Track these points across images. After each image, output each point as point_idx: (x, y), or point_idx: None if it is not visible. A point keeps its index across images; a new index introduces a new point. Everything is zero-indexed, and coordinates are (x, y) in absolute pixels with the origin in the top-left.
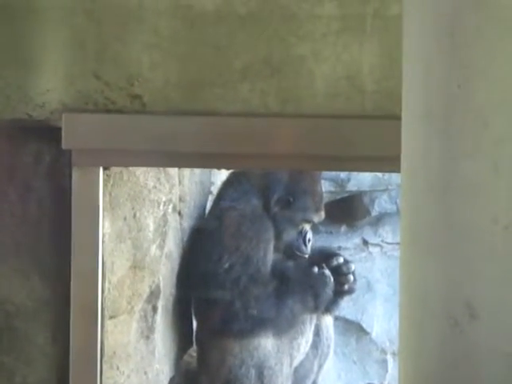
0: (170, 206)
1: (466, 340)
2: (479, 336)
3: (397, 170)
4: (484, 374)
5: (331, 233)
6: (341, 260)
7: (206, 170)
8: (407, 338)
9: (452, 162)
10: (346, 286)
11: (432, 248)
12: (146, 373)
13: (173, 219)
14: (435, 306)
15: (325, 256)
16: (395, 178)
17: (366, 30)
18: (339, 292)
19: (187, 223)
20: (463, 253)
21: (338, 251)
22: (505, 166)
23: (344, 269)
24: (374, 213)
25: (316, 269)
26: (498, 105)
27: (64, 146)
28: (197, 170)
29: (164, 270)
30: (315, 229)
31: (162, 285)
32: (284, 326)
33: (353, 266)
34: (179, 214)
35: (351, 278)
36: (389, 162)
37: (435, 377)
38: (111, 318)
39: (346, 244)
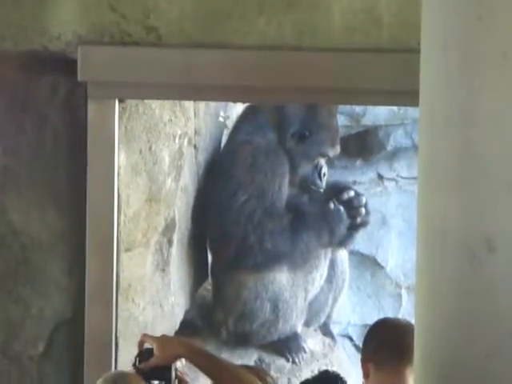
0: (186, 140)
1: (484, 272)
2: (497, 268)
3: (413, 103)
4: (502, 305)
5: (346, 167)
6: (352, 193)
7: (222, 104)
8: (424, 270)
9: (471, 93)
10: (359, 219)
11: (451, 181)
12: (161, 305)
13: (188, 152)
14: (453, 239)
15: (338, 190)
16: (411, 112)
17: None
18: (352, 225)
19: (202, 157)
20: (482, 186)
21: (349, 185)
22: None
23: (355, 202)
24: (390, 147)
25: (332, 204)
26: None
27: (79, 78)
28: (212, 104)
29: (179, 204)
30: (330, 163)
31: (177, 218)
32: (299, 260)
33: (364, 199)
34: (195, 147)
35: (363, 210)
36: (405, 95)
37: (453, 308)
38: (127, 250)
39: (361, 178)
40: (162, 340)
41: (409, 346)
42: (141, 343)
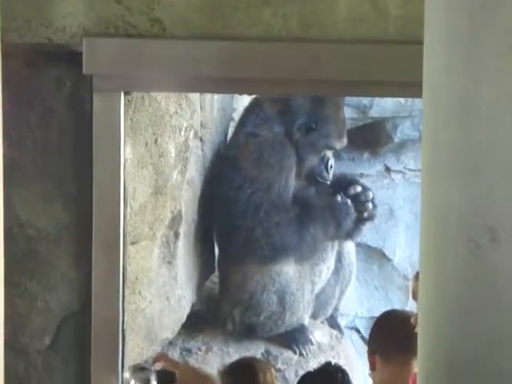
0: (192, 132)
1: (486, 263)
2: (500, 259)
3: (420, 95)
4: (505, 295)
5: (353, 159)
6: (359, 188)
7: (228, 96)
8: (428, 262)
9: (475, 84)
10: (366, 214)
11: (454, 171)
12: (167, 298)
13: (194, 145)
14: (456, 229)
15: (345, 183)
16: (418, 104)
17: None
18: (359, 219)
19: (209, 149)
20: (486, 176)
21: (356, 179)
22: None
23: (362, 197)
24: (397, 139)
25: (339, 198)
26: None
27: (85, 70)
28: (218, 96)
29: (186, 196)
30: (338, 155)
31: (183, 211)
32: (305, 253)
33: (371, 194)
34: (201, 140)
35: (370, 205)
36: (412, 87)
37: (455, 299)
38: (133, 243)
39: (369, 171)
40: (186, 372)
41: (415, 338)
42: (157, 360)
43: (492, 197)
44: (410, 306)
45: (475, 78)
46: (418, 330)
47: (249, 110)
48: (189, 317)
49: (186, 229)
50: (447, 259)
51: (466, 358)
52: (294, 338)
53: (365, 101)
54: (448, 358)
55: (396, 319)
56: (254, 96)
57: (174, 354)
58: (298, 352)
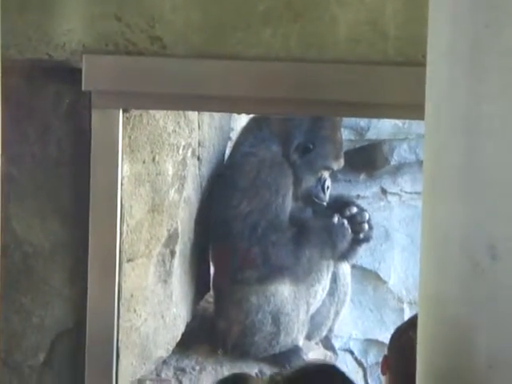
0: (190, 151)
1: (487, 281)
2: (501, 276)
3: (418, 117)
4: (506, 314)
5: (350, 181)
6: (355, 209)
7: (226, 116)
8: (428, 280)
9: (478, 103)
10: (362, 235)
11: (455, 190)
12: (163, 316)
13: (192, 164)
14: (457, 247)
15: (341, 204)
16: (415, 127)
17: None
18: (355, 240)
19: (206, 168)
20: (487, 194)
21: (352, 200)
22: None
23: (358, 218)
24: (393, 162)
25: (335, 219)
26: None
27: (84, 87)
28: (216, 115)
29: (182, 215)
30: (334, 177)
31: (180, 229)
32: (301, 273)
33: (367, 215)
34: (198, 158)
35: (366, 226)
36: (410, 109)
37: (456, 318)
38: (129, 261)
39: (365, 193)
40: None
41: None
42: None
43: (492, 214)
44: None
45: (478, 96)
46: (417, 349)
47: (246, 130)
48: (183, 336)
49: (182, 247)
50: (448, 278)
51: (466, 377)
52: (288, 359)
53: (362, 123)
54: (448, 377)
55: None
56: (251, 116)
57: (168, 373)
58: None
